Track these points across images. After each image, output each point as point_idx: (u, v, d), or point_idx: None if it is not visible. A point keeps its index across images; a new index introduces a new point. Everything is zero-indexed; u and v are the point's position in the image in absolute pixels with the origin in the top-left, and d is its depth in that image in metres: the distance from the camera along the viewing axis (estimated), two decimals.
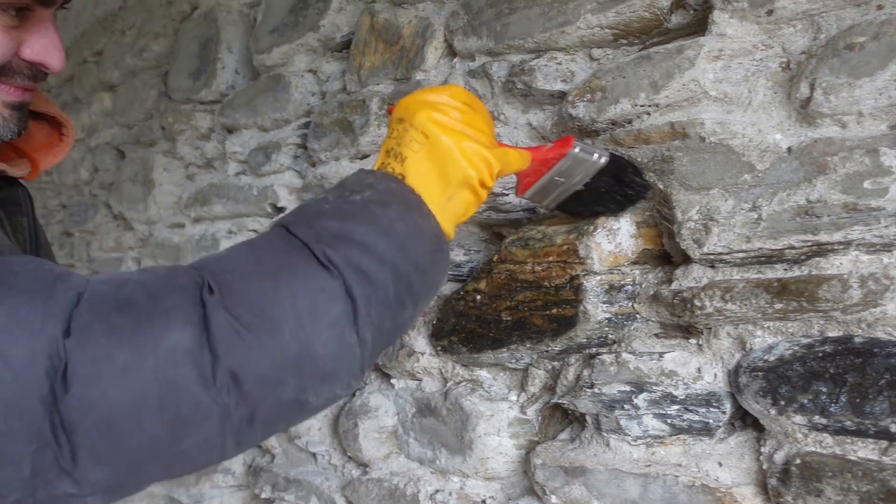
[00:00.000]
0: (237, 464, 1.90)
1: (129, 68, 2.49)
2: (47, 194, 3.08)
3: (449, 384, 1.32)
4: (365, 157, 1.55)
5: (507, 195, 1.21)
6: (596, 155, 0.99)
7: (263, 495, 1.73)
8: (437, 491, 1.31)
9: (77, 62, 2.85)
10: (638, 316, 1.05)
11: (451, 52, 1.35)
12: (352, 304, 0.71)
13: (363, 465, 1.49)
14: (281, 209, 1.78)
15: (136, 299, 0.66)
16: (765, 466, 0.90)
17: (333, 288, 0.71)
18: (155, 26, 2.34)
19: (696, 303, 0.93)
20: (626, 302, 1.06)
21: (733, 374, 0.93)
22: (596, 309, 1.05)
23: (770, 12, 0.92)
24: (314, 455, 1.65)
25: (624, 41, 1.11)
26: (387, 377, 1.47)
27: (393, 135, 0.85)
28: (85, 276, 0.71)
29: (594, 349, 1.09)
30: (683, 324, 1.00)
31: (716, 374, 0.96)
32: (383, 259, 0.74)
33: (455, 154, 0.82)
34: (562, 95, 1.16)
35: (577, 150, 0.97)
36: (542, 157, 0.97)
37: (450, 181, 0.82)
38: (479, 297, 1.21)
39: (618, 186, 1.03)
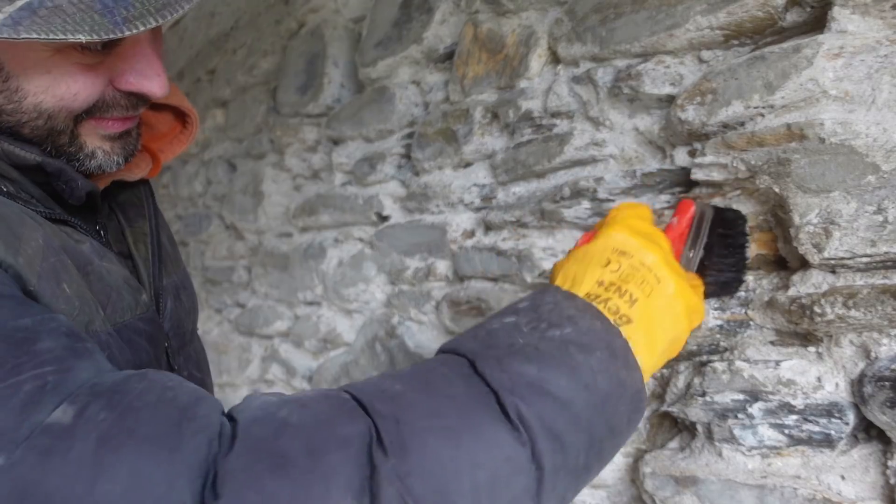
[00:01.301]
0: None
1: (239, 85, 2.61)
2: (164, 206, 3.26)
3: None
4: (468, 165, 1.57)
5: (612, 201, 1.20)
6: (713, 207, 0.96)
7: None
8: None
9: (192, 81, 3.01)
10: (752, 323, 1.03)
11: (555, 59, 1.36)
12: (537, 474, 0.61)
13: None
14: (386, 217, 1.83)
15: (293, 455, 0.55)
16: (892, 481, 0.86)
17: (521, 457, 0.60)
18: (264, 44, 2.45)
19: (816, 309, 0.90)
20: (738, 308, 1.03)
21: (857, 384, 0.89)
22: (707, 316, 1.03)
23: (895, 6, 0.89)
24: None
25: (735, 42, 1.09)
26: None
27: (611, 266, 0.74)
28: (215, 401, 0.61)
29: (705, 356, 1.07)
30: (801, 331, 0.96)
31: (837, 384, 0.92)
32: (579, 421, 0.64)
33: (680, 307, 0.74)
34: (670, 99, 1.14)
35: (699, 208, 0.93)
36: (679, 236, 0.90)
37: (668, 335, 0.74)
38: None
39: (727, 233, 0.98)
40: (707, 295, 0.93)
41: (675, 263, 0.77)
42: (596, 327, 0.69)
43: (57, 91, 0.73)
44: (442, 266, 1.61)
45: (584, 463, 0.65)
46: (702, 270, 0.93)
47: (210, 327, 2.76)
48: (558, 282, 0.77)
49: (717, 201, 1.03)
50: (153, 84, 0.77)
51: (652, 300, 0.72)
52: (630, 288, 0.72)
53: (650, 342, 0.72)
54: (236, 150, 2.67)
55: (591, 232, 0.84)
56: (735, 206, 1.04)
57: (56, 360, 0.59)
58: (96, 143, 0.81)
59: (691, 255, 0.92)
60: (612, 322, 0.71)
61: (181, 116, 1.02)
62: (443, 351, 0.71)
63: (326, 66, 2.08)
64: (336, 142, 2.05)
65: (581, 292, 0.73)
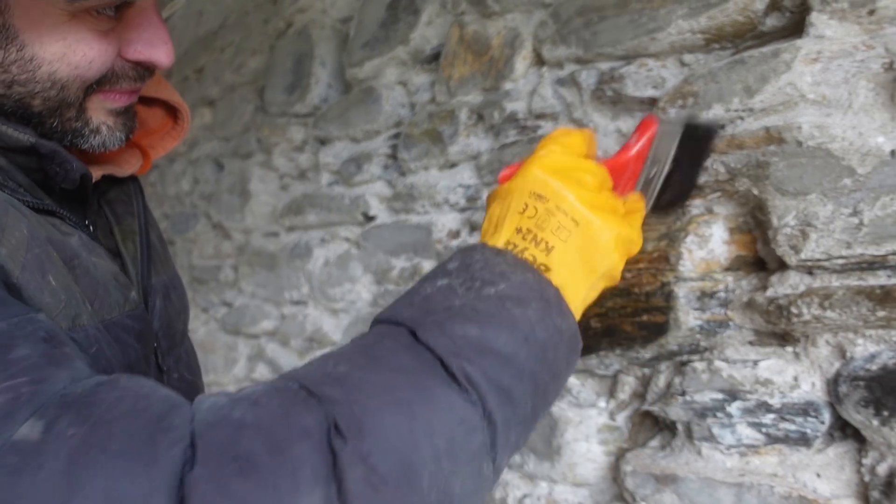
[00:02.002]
0: None
1: (227, 84, 2.61)
2: (151, 204, 3.25)
3: None
4: (454, 165, 1.58)
5: None
6: (675, 122, 0.91)
7: None
8: (525, 496, 1.32)
9: (180, 79, 3.01)
10: (731, 323, 1.04)
11: (540, 61, 1.37)
12: (491, 430, 0.62)
13: None
14: (372, 217, 1.83)
15: (256, 455, 0.54)
16: (866, 479, 0.88)
17: (474, 417, 0.61)
18: (252, 43, 2.45)
19: (793, 310, 0.91)
20: (718, 309, 1.05)
21: (832, 384, 0.91)
22: (687, 316, 1.04)
23: (872, 12, 0.90)
24: None
25: (716, 45, 1.10)
26: None
27: (528, 213, 0.73)
28: (188, 408, 0.59)
29: (685, 356, 1.08)
30: (779, 331, 0.98)
31: (814, 383, 0.94)
32: (523, 372, 0.65)
33: (608, 244, 0.73)
34: (652, 102, 1.15)
35: (662, 125, 0.88)
36: (637, 155, 0.87)
37: (595, 272, 0.74)
38: None
39: (699, 150, 0.95)
40: (658, 208, 0.91)
41: (599, 198, 0.75)
42: (528, 280, 0.69)
43: (73, 59, 0.72)
44: (428, 266, 1.62)
45: (531, 411, 0.66)
46: (665, 187, 0.90)
47: (196, 326, 2.75)
48: (484, 225, 0.78)
49: (687, 114, 0.99)
50: (160, 52, 0.76)
51: (570, 244, 0.72)
52: (545, 236, 0.72)
53: (574, 286, 0.72)
54: (224, 149, 2.67)
55: (518, 162, 0.81)
56: (706, 123, 1.00)
57: (32, 368, 0.56)
58: (101, 117, 0.80)
59: (652, 173, 0.88)
60: (541, 272, 0.71)
61: (172, 112, 1.00)
62: (379, 321, 0.70)
63: (314, 66, 2.08)
64: (323, 142, 2.05)
65: (501, 242, 0.74)
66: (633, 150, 0.87)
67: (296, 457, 0.54)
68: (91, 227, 0.89)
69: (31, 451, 0.51)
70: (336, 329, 1.95)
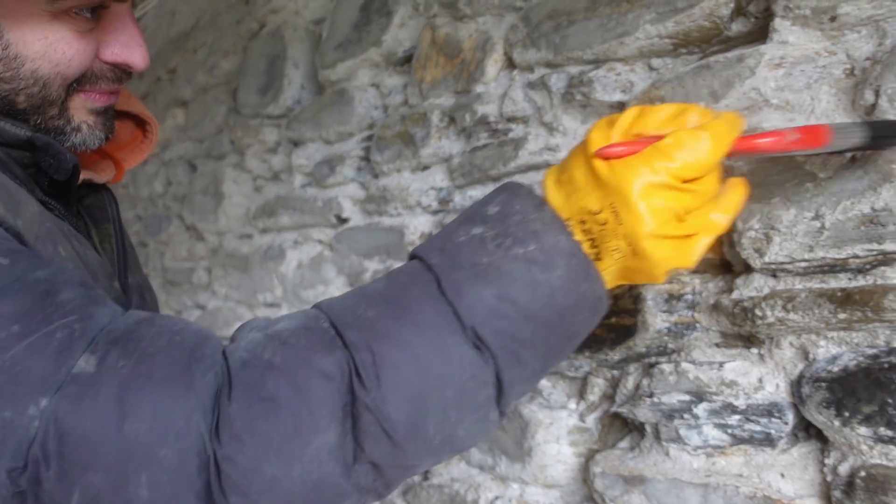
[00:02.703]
0: None
1: (200, 85, 2.59)
2: (124, 206, 3.22)
3: None
4: (426, 168, 1.58)
5: None
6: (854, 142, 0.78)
7: None
8: (496, 497, 1.32)
9: (152, 80, 2.98)
10: (698, 325, 1.05)
11: (511, 64, 1.38)
12: (498, 385, 0.68)
13: (424, 471, 1.52)
14: (345, 220, 1.83)
15: (280, 395, 0.63)
16: (829, 479, 0.89)
17: (484, 373, 0.67)
18: (225, 44, 2.44)
19: (758, 312, 0.92)
20: (685, 311, 1.06)
21: (796, 385, 0.92)
22: (655, 318, 1.05)
23: (833, 18, 0.91)
24: None
25: (683, 50, 1.11)
26: None
27: (599, 217, 0.71)
28: (216, 339, 0.68)
29: (653, 358, 1.09)
30: (744, 333, 0.99)
31: (778, 385, 0.95)
32: (537, 336, 0.69)
33: (658, 275, 0.74)
34: (621, 105, 1.16)
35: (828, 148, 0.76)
36: (780, 149, 0.76)
37: (633, 281, 0.78)
38: None
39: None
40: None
41: (678, 227, 0.72)
42: (560, 242, 0.70)
43: (53, 56, 0.78)
44: None
45: (540, 368, 0.72)
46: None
47: None
48: (563, 174, 0.75)
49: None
50: (136, 55, 0.83)
51: (619, 263, 0.73)
52: (601, 246, 0.72)
53: (607, 274, 0.74)
54: (197, 150, 2.65)
55: (641, 140, 0.72)
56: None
57: (79, 308, 0.65)
58: (82, 116, 0.85)
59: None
60: (574, 239, 0.72)
61: (141, 125, 1.05)
62: (414, 255, 0.75)
63: (287, 68, 2.07)
64: (296, 143, 2.05)
65: (562, 211, 0.73)
66: (783, 145, 0.75)
67: (316, 398, 0.63)
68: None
69: (89, 381, 0.60)
70: None
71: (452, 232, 0.74)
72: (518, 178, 1.34)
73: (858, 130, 0.77)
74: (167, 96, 2.85)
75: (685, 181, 0.71)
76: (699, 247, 0.74)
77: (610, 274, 0.74)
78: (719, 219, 0.76)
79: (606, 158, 0.72)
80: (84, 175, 0.93)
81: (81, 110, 0.85)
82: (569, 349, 0.75)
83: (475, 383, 0.67)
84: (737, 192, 0.80)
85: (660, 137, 0.72)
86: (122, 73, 0.85)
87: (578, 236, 0.73)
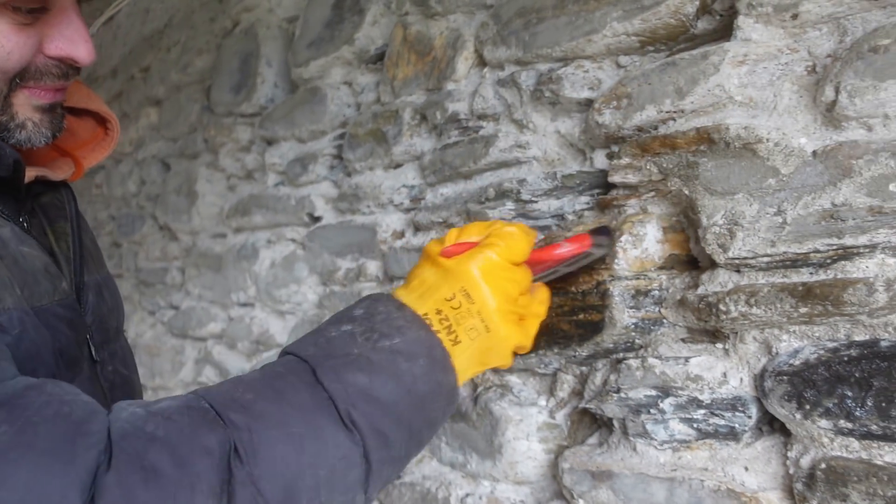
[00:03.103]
0: None
1: (173, 83, 2.57)
2: (97, 206, 3.19)
3: (479, 389, 1.33)
4: (398, 166, 1.58)
5: (535, 202, 1.22)
6: (604, 249, 1.03)
7: None
8: (467, 495, 1.32)
9: (126, 78, 2.95)
10: (665, 321, 1.06)
11: (482, 62, 1.38)
12: (366, 467, 0.73)
13: None
14: (317, 218, 1.82)
15: (162, 468, 0.63)
16: (791, 471, 0.90)
17: (353, 455, 0.72)
18: (198, 43, 2.42)
19: (722, 307, 0.93)
20: (652, 307, 1.06)
21: (759, 379, 0.93)
22: (622, 314, 1.06)
23: (795, 16, 0.92)
24: None
25: (650, 48, 1.12)
26: None
27: (452, 303, 0.83)
28: (105, 415, 0.67)
29: (621, 354, 1.09)
30: (710, 329, 1.00)
31: (742, 379, 0.96)
32: (401, 420, 0.76)
33: (507, 351, 0.87)
34: (589, 103, 1.17)
35: (593, 249, 1.00)
36: (559, 259, 0.98)
37: (485, 365, 0.87)
38: None
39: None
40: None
41: (514, 307, 0.87)
42: (421, 337, 0.80)
43: None
44: (373, 266, 1.62)
45: (405, 453, 0.78)
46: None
47: (143, 329, 2.70)
48: (413, 282, 0.88)
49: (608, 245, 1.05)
50: (80, 49, 0.80)
51: (476, 344, 0.84)
52: (459, 330, 0.83)
53: (463, 370, 0.84)
54: (170, 149, 2.63)
55: (469, 242, 0.90)
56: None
57: None
58: (27, 113, 0.83)
59: (557, 270, 1.01)
60: (433, 332, 0.82)
61: (102, 122, 1.03)
62: (287, 353, 0.80)
63: (260, 66, 2.06)
64: (269, 142, 2.04)
65: (420, 309, 0.84)
66: (561, 254, 0.97)
67: (196, 472, 0.64)
68: (26, 224, 0.92)
69: None
70: (283, 331, 1.93)
71: (323, 331, 0.81)
72: (489, 176, 1.34)
73: (606, 244, 1.03)
74: (140, 95, 2.83)
75: (511, 263, 0.86)
76: (532, 328, 0.92)
77: (467, 358, 0.84)
78: (541, 308, 0.95)
79: (449, 256, 0.87)
80: (38, 172, 0.91)
81: (26, 107, 0.82)
82: (429, 435, 0.82)
83: (346, 464, 0.71)
84: (544, 289, 0.98)
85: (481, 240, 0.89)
86: (69, 68, 0.83)
87: (436, 327, 0.83)
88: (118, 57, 3.04)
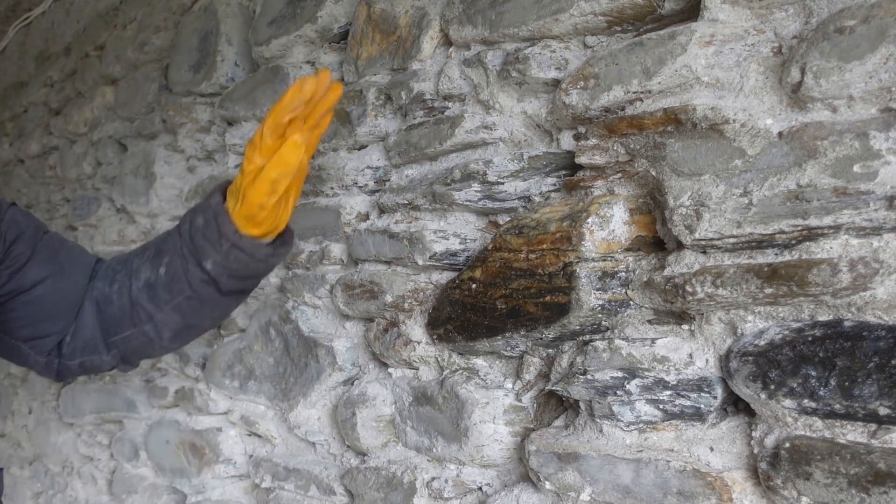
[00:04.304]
0: (238, 454, 1.91)
1: (130, 62, 2.50)
2: (50, 188, 3.09)
3: (445, 372, 1.32)
4: (363, 147, 1.55)
5: (502, 184, 1.21)
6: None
7: (264, 485, 1.74)
8: (433, 479, 1.32)
9: (80, 56, 2.86)
10: (631, 303, 1.06)
11: (447, 41, 1.36)
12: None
13: (361, 454, 1.50)
14: None
15: None
16: (755, 451, 0.91)
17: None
18: (156, 20, 2.35)
19: (688, 288, 0.93)
20: (619, 289, 1.06)
21: (724, 360, 0.93)
22: (589, 296, 1.05)
23: None
24: (313, 444, 1.65)
25: (618, 28, 1.11)
26: (384, 366, 1.48)
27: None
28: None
29: (587, 336, 1.09)
30: (676, 310, 1.00)
31: (707, 360, 0.96)
32: None
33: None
34: (556, 83, 1.16)
35: None
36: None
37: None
38: (474, 285, 1.21)
39: None
40: None
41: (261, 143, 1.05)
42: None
43: None
44: (336, 249, 1.59)
45: None
46: None
47: None
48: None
49: None
50: None
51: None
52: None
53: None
54: (127, 129, 2.55)
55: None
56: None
57: None
58: None
59: None
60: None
61: None
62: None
63: (220, 44, 2.01)
64: (230, 122, 1.99)
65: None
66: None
67: None
68: None
69: None
70: (243, 315, 1.90)
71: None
72: (455, 157, 1.32)
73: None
74: (95, 74, 2.74)
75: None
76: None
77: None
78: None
79: None
80: None
81: None
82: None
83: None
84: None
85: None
86: None
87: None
88: (71, 34, 2.94)
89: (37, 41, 3.27)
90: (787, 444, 0.86)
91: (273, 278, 1.80)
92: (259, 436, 1.84)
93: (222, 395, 1.95)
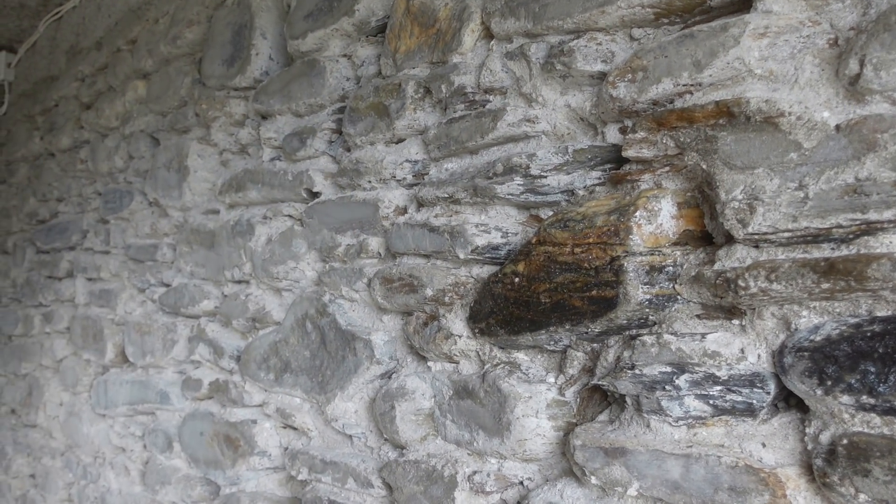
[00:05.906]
0: (273, 446, 1.92)
1: (162, 56, 2.51)
2: (82, 182, 3.13)
3: (486, 366, 1.32)
4: (401, 140, 1.55)
5: (545, 177, 1.21)
6: None
7: (300, 477, 1.75)
8: (474, 472, 1.32)
9: (111, 51, 2.88)
10: (679, 297, 1.05)
11: (488, 34, 1.35)
12: None
13: (400, 447, 1.51)
14: (316, 194, 1.79)
15: None
16: (809, 447, 0.90)
17: None
18: (188, 14, 2.36)
19: (740, 283, 0.92)
20: (666, 283, 1.05)
21: (778, 355, 0.93)
22: (636, 290, 1.05)
23: None
24: (350, 437, 1.66)
25: (665, 20, 1.10)
26: (423, 360, 1.48)
27: None
28: None
29: (634, 330, 1.09)
30: (726, 305, 0.99)
31: (759, 355, 0.95)
32: None
33: None
34: (602, 76, 1.15)
35: None
36: None
37: None
38: (517, 279, 1.21)
39: None
40: None
41: None
42: None
43: None
44: (374, 243, 1.59)
45: None
46: None
47: (133, 307, 2.67)
48: None
49: None
50: None
51: None
52: None
53: None
54: (159, 123, 2.57)
55: None
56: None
57: None
58: None
59: None
60: None
61: None
62: None
63: (254, 38, 2.02)
64: (264, 116, 2.00)
65: None
66: None
67: None
68: None
69: None
70: (280, 308, 1.91)
71: None
72: (496, 151, 1.32)
73: None
74: (127, 68, 2.76)
75: None
76: None
77: None
78: None
79: None
80: None
81: None
82: None
83: None
84: None
85: None
86: None
87: None
88: (103, 29, 2.97)
89: (68, 36, 3.30)
90: (845, 441, 0.85)
91: (310, 272, 1.81)
92: (295, 428, 1.85)
93: (257, 387, 1.97)
